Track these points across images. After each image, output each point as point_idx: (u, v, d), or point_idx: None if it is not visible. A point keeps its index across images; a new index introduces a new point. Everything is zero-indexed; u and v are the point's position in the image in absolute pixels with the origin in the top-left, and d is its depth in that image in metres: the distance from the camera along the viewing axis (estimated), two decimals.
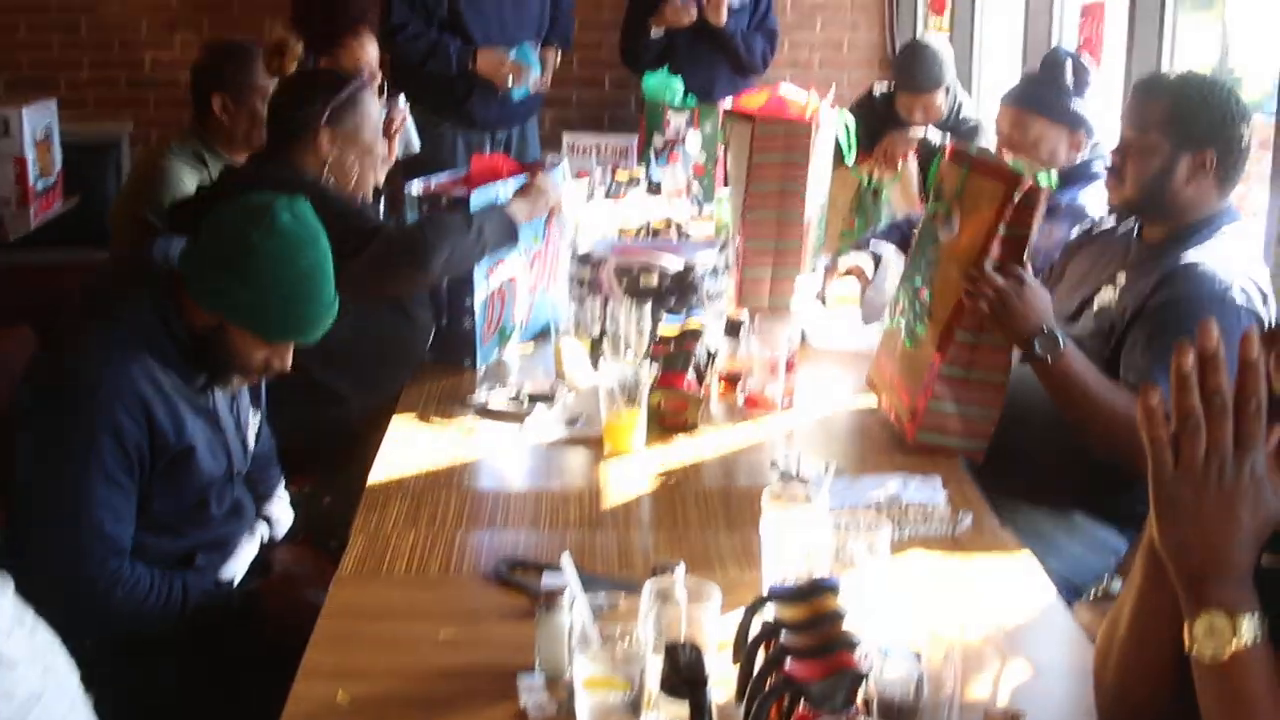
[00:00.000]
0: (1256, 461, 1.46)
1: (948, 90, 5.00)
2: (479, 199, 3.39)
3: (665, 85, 5.96)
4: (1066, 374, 2.75)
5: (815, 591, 1.81)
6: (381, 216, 3.97)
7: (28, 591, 2.30)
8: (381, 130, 3.52)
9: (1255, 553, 1.49)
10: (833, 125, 3.78)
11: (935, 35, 5.46)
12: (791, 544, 2.09)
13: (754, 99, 3.76)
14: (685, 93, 5.89)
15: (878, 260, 3.81)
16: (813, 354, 3.54)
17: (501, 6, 5.98)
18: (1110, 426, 2.70)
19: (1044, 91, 3.74)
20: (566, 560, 1.90)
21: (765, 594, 1.83)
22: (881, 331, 3.21)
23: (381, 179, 3.98)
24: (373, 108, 3.46)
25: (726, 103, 3.87)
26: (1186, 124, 2.88)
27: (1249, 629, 1.48)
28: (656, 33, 6.26)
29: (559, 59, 6.16)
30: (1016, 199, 2.70)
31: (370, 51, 4.56)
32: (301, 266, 2.52)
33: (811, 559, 2.04)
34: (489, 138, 6.11)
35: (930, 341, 2.87)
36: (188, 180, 3.95)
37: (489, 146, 6.06)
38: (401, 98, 4.55)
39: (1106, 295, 3.00)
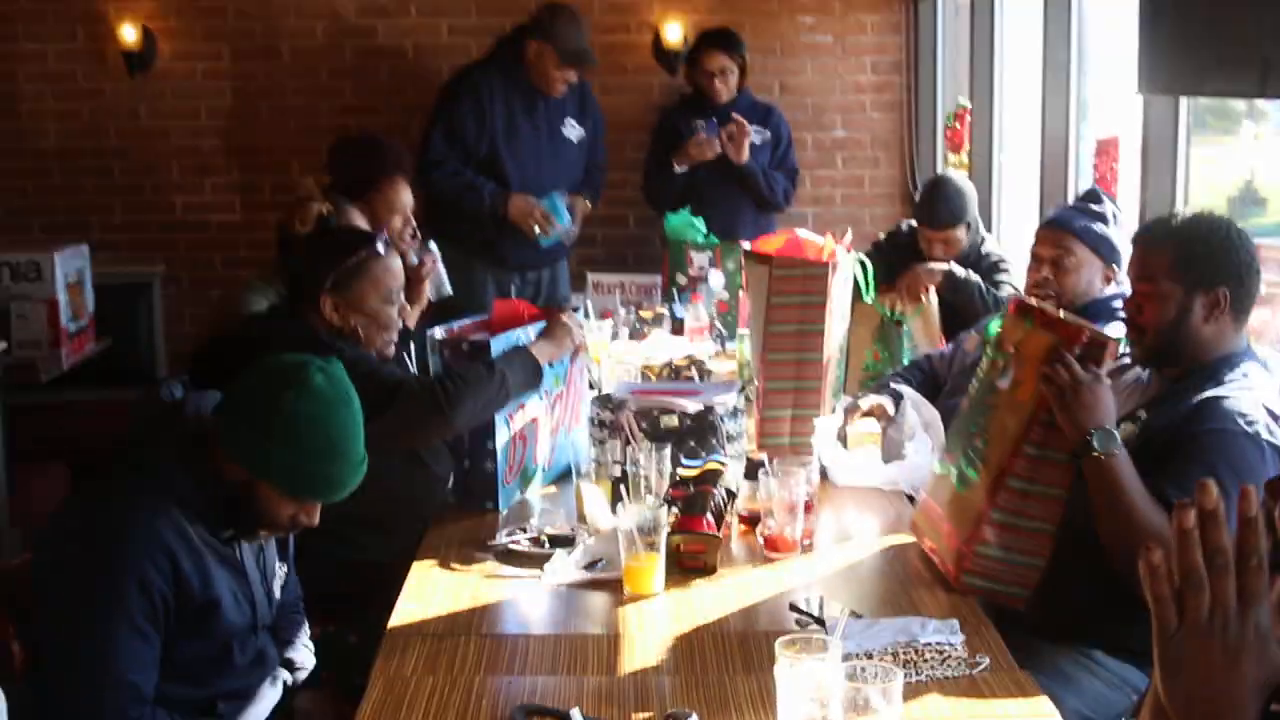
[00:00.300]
0: (1260, 616, 1.48)
1: (969, 226, 5.05)
2: (499, 345, 3.44)
3: (687, 224, 6.06)
4: (1114, 476, 2.77)
5: None
6: (412, 360, 4.03)
7: None
8: (398, 290, 3.52)
9: (1261, 706, 1.50)
10: (849, 266, 3.83)
11: (956, 172, 5.53)
12: (805, 693, 2.10)
13: (771, 241, 3.82)
14: (707, 232, 5.98)
15: (898, 399, 3.84)
16: (835, 493, 3.56)
17: (540, 154, 6.13)
18: (1143, 539, 2.70)
19: (1087, 221, 3.80)
20: (576, 716, 1.91)
21: None
22: (929, 476, 3.21)
23: (413, 323, 4.05)
24: (383, 274, 3.45)
25: (747, 243, 3.94)
26: (1194, 266, 2.95)
27: None
28: (680, 168, 6.37)
29: (589, 209, 6.28)
30: (1078, 354, 2.78)
31: (404, 198, 4.65)
32: (333, 428, 2.57)
33: (826, 707, 2.05)
34: (520, 277, 6.21)
35: (982, 487, 2.89)
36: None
37: (519, 286, 6.15)
38: (433, 243, 4.64)
39: (1126, 430, 3.02)
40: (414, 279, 4.57)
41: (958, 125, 6.42)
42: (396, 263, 3.53)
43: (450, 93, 6.13)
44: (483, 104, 6.02)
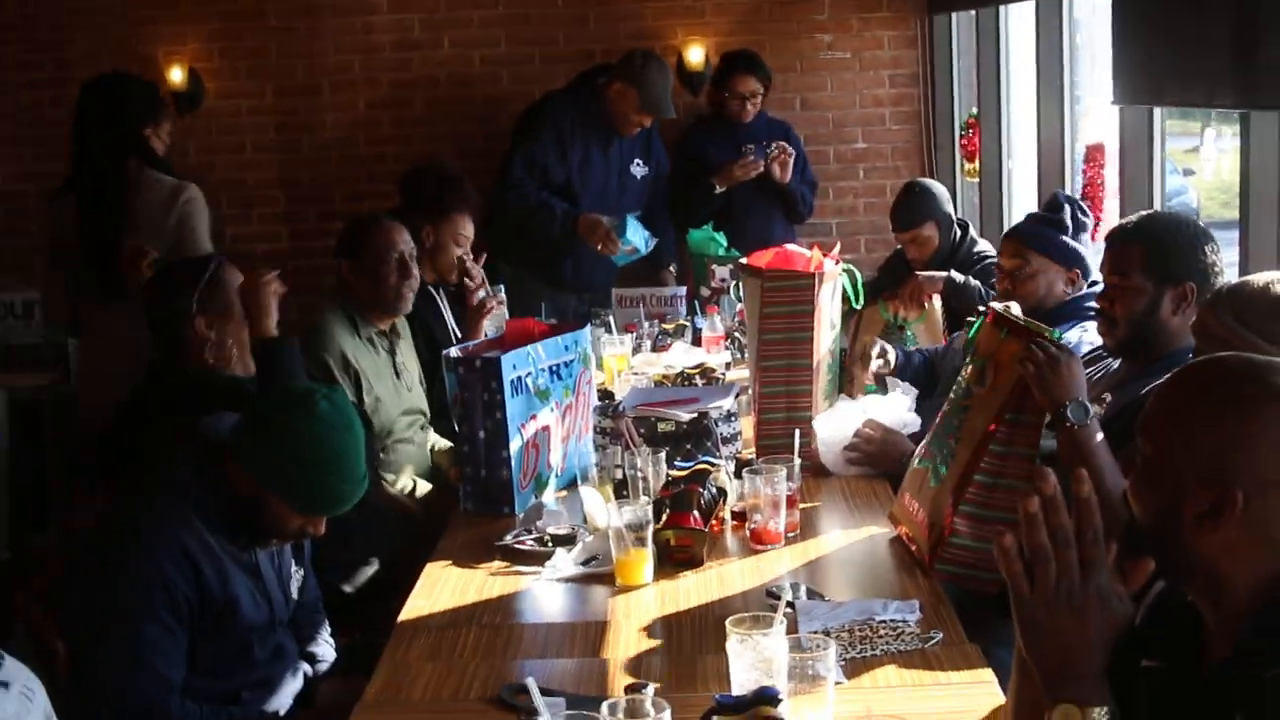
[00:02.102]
0: (1100, 580, 1.75)
1: (939, 223, 5.29)
2: (510, 362, 3.68)
3: (708, 239, 6.31)
4: (1087, 446, 2.95)
5: (755, 702, 2.06)
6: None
7: None
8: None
9: (1106, 655, 1.76)
10: (837, 276, 4.06)
11: (925, 179, 5.76)
12: (753, 664, 2.34)
13: (764, 255, 4.06)
14: (729, 245, 6.22)
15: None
16: (826, 486, 3.79)
17: (608, 188, 6.38)
18: (1108, 505, 2.91)
19: (1044, 229, 4.03)
20: (531, 683, 2.17)
21: (713, 705, 2.09)
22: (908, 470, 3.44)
23: None
24: (235, 280, 3.61)
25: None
26: (1164, 262, 3.19)
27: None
28: (720, 189, 6.60)
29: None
30: None
31: (468, 231, 5.05)
32: (335, 448, 2.85)
33: (769, 677, 2.29)
34: (577, 298, 6.46)
35: (952, 480, 3.12)
36: (343, 337, 4.35)
37: (576, 305, 6.38)
38: (501, 288, 4.98)
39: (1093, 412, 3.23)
40: (475, 316, 4.87)
41: (971, 133, 6.63)
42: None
43: (531, 122, 6.39)
44: (563, 135, 6.25)
